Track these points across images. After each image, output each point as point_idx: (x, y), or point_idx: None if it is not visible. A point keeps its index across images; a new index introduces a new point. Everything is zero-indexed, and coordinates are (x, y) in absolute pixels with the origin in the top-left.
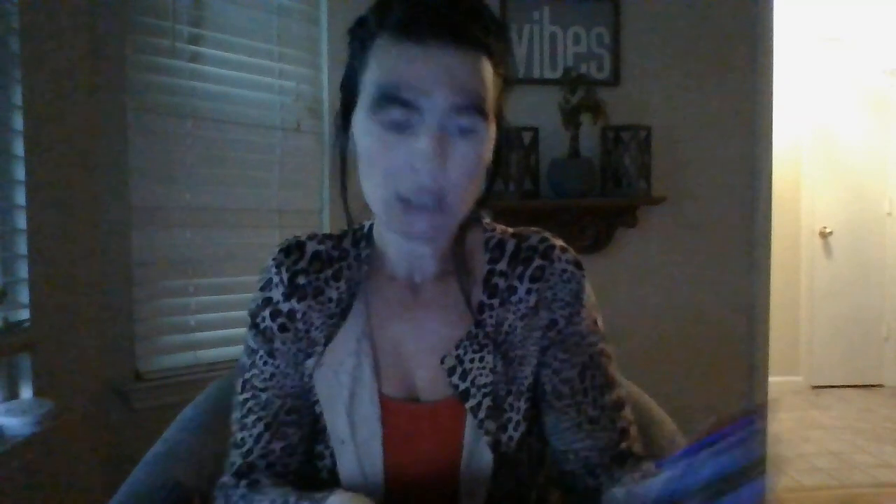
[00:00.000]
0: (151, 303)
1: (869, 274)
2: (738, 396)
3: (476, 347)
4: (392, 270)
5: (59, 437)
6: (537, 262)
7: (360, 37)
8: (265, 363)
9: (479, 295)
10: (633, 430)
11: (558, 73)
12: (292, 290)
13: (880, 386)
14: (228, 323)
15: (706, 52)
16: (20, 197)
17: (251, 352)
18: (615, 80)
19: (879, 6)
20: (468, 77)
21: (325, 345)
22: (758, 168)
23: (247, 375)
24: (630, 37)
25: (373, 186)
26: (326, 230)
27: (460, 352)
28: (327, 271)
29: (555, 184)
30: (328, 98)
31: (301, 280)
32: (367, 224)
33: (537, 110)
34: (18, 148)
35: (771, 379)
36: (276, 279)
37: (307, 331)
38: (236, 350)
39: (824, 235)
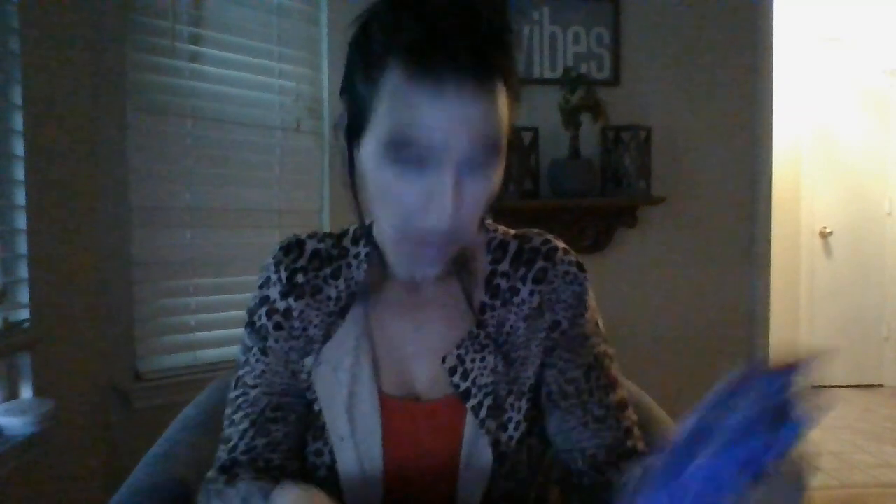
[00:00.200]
0: (151, 303)
1: (869, 274)
2: None
3: (477, 347)
4: (392, 269)
5: (59, 437)
6: (540, 263)
7: (367, 55)
8: (257, 361)
9: (480, 295)
10: (637, 430)
11: (558, 73)
12: (290, 289)
13: (880, 386)
14: (228, 323)
15: (706, 52)
16: (20, 197)
17: (246, 349)
18: (615, 80)
19: (879, 6)
20: (487, 121)
21: (324, 343)
22: (758, 168)
23: (240, 373)
24: (630, 37)
25: (384, 215)
26: (327, 230)
27: (461, 351)
28: (326, 270)
29: (555, 184)
30: (328, 98)
31: (299, 278)
32: (373, 216)
33: (537, 110)
34: (18, 148)
35: None
36: (273, 277)
37: (304, 329)
38: (236, 350)
39: (824, 235)
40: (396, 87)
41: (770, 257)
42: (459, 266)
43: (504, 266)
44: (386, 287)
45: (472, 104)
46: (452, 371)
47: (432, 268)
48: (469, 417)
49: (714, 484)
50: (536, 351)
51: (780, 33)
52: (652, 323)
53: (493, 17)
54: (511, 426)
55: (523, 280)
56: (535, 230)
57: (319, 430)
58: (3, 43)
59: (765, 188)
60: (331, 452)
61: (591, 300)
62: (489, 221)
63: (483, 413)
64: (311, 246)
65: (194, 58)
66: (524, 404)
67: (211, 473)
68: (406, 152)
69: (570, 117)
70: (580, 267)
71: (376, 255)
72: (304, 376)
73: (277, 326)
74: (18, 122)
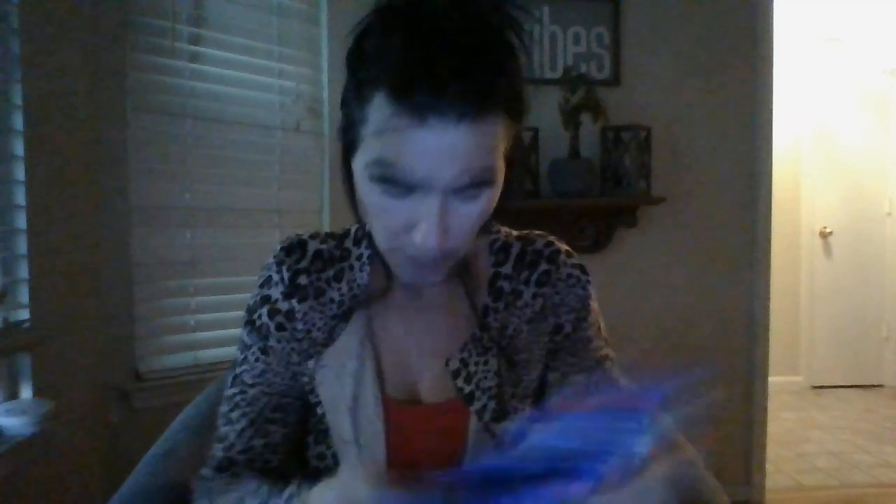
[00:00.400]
0: (151, 303)
1: (869, 274)
2: (739, 396)
3: (480, 350)
4: (394, 272)
5: (59, 437)
6: (543, 266)
7: (357, 77)
8: (257, 360)
9: (483, 298)
10: None
11: (558, 73)
12: (293, 290)
13: (880, 386)
14: (228, 323)
15: (706, 52)
16: (20, 197)
17: (244, 347)
18: (615, 80)
19: (879, 6)
20: (475, 154)
21: (327, 346)
22: (758, 168)
23: (237, 370)
24: (630, 37)
25: (374, 230)
26: (327, 230)
27: (465, 355)
28: (329, 271)
29: (555, 184)
30: (328, 98)
31: (302, 280)
32: (368, 223)
33: (537, 110)
34: (18, 148)
35: (771, 379)
36: (276, 277)
37: (308, 331)
38: (236, 350)
39: (824, 235)
40: (382, 117)
41: (770, 257)
42: (462, 269)
43: (507, 269)
44: (389, 290)
45: (459, 138)
46: (456, 374)
47: (428, 279)
48: (472, 420)
49: None
50: (539, 354)
51: (780, 33)
52: (652, 323)
53: (492, 38)
54: None
55: (526, 283)
56: (538, 232)
57: (322, 434)
58: (3, 43)
59: (765, 188)
60: (334, 456)
61: (594, 303)
62: (491, 222)
63: (487, 416)
64: (313, 247)
65: (194, 58)
66: (527, 407)
67: (206, 471)
68: (392, 180)
69: (570, 117)
70: (583, 270)
71: (378, 258)
72: (305, 379)
73: (280, 327)
74: (18, 122)
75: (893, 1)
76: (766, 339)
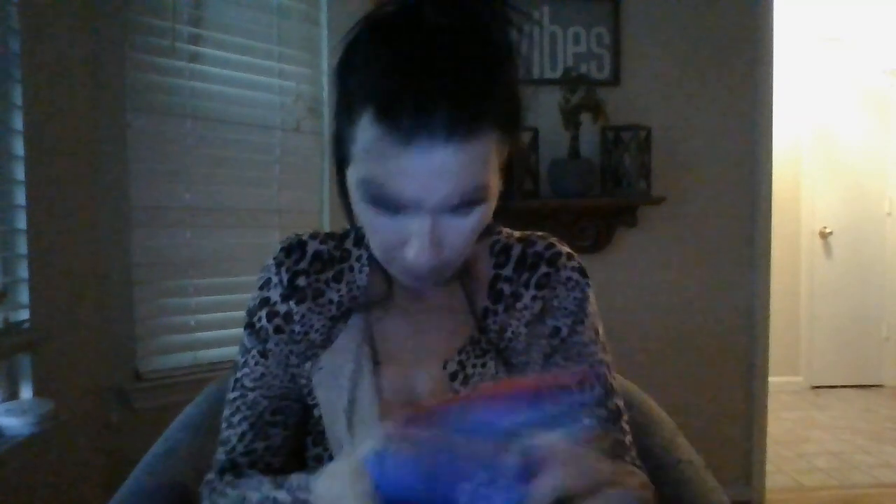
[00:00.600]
0: (151, 303)
1: (869, 274)
2: (739, 396)
3: (478, 353)
4: (394, 274)
5: (59, 437)
6: (543, 268)
7: (346, 93)
8: (256, 363)
9: (483, 300)
10: (629, 440)
11: (558, 73)
12: (291, 292)
13: (880, 386)
14: (228, 323)
15: (706, 52)
16: (20, 197)
17: (245, 350)
18: (615, 80)
19: (879, 6)
20: (464, 173)
21: (325, 348)
22: (758, 168)
23: (238, 374)
24: (630, 37)
25: (371, 243)
26: (327, 230)
27: (463, 357)
28: (328, 273)
29: (555, 184)
30: (328, 98)
31: (301, 281)
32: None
33: (537, 110)
34: (18, 148)
35: (771, 379)
36: (275, 279)
37: (306, 333)
38: (236, 350)
39: (824, 235)
40: (369, 138)
41: (770, 257)
42: (463, 271)
43: (507, 271)
44: (388, 292)
45: (449, 161)
46: (453, 377)
47: (427, 286)
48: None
49: None
50: (537, 357)
51: (780, 33)
52: (652, 323)
53: (487, 50)
54: None
55: (526, 285)
56: (540, 233)
57: (320, 436)
58: (3, 43)
59: (765, 188)
60: (331, 458)
61: (593, 307)
62: (491, 223)
63: None
64: (312, 247)
65: (194, 58)
66: None
67: (210, 476)
68: (381, 200)
69: (570, 117)
70: (583, 273)
71: (378, 259)
72: (303, 381)
73: (278, 329)
74: (18, 122)
75: (893, 1)
76: (766, 339)
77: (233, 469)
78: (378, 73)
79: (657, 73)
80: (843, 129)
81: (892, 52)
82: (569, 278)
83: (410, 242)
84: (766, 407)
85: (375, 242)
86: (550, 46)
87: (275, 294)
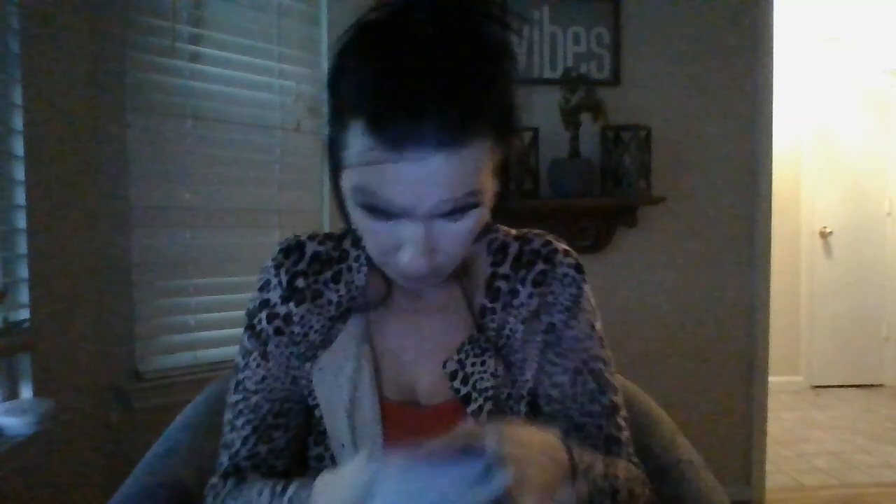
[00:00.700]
0: (151, 303)
1: (869, 274)
2: (739, 396)
3: (478, 351)
4: (390, 275)
5: (59, 437)
6: (540, 266)
7: (337, 101)
8: (258, 365)
9: (481, 298)
10: (625, 436)
11: (558, 73)
12: (290, 293)
13: (880, 386)
14: (228, 323)
15: (706, 52)
16: (20, 197)
17: (246, 353)
18: (615, 80)
19: (879, 6)
20: (455, 180)
21: (325, 348)
22: (758, 168)
23: (240, 377)
24: (630, 37)
25: (367, 246)
26: (327, 230)
27: (462, 356)
28: (327, 273)
29: (555, 184)
30: (328, 98)
31: (300, 283)
32: None
33: (537, 110)
34: (18, 148)
35: (771, 379)
36: (274, 281)
37: (305, 334)
38: (236, 350)
39: (824, 235)
40: (360, 146)
41: (770, 257)
42: (460, 269)
43: (505, 269)
44: (387, 292)
45: (440, 169)
46: (453, 376)
47: (424, 287)
48: (469, 423)
49: None
50: (534, 354)
51: (780, 33)
52: (652, 323)
53: (480, 54)
54: None
55: (523, 282)
56: (536, 231)
57: (322, 435)
58: (3, 43)
59: (765, 188)
60: (332, 458)
61: (588, 303)
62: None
63: (484, 417)
64: (311, 248)
65: (194, 58)
66: (523, 408)
67: (214, 480)
68: (373, 207)
69: (570, 117)
70: (579, 269)
71: None
72: (304, 381)
73: (278, 331)
74: (18, 122)
75: (893, 1)
76: (766, 339)
77: (236, 473)
78: (367, 83)
79: (657, 73)
80: (843, 129)
81: (892, 52)
82: (565, 274)
83: (404, 248)
84: (766, 407)
85: (370, 246)
86: (550, 46)
87: (274, 296)
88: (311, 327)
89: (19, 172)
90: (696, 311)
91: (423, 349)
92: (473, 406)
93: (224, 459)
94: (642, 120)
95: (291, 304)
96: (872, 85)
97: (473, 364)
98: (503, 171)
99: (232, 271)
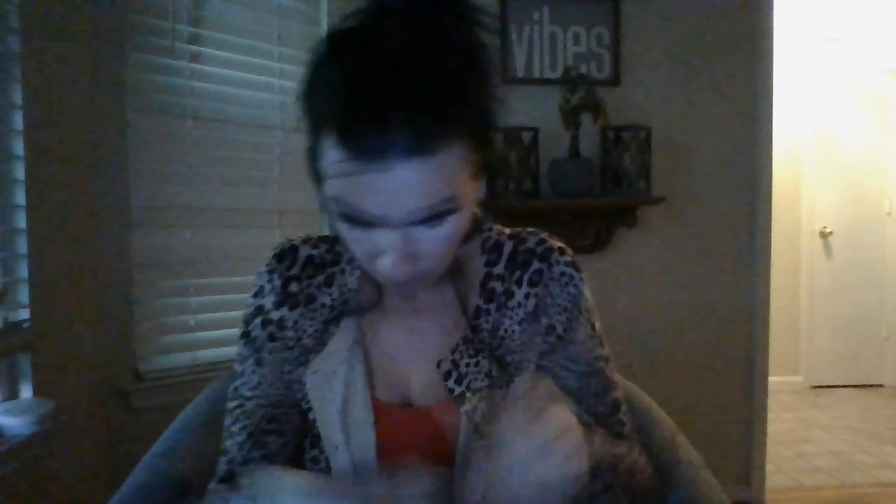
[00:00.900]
0: (151, 303)
1: (869, 274)
2: (739, 396)
3: (472, 352)
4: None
5: (59, 437)
6: (535, 265)
7: (310, 112)
8: (252, 371)
9: (475, 299)
10: (627, 430)
11: (558, 73)
12: (284, 298)
13: (880, 386)
14: (228, 323)
15: (706, 52)
16: (20, 197)
17: (242, 359)
18: (615, 80)
19: (879, 6)
20: (428, 189)
21: (318, 352)
22: (758, 168)
23: (237, 383)
24: (630, 37)
25: (352, 252)
26: (326, 230)
27: (456, 356)
28: (320, 277)
29: (555, 184)
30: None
31: (293, 287)
32: None
33: (537, 110)
34: (18, 148)
35: (771, 379)
36: (267, 287)
37: (299, 338)
38: (235, 350)
39: (824, 235)
40: (333, 158)
41: (770, 257)
42: (454, 269)
43: (499, 269)
44: (379, 294)
45: (412, 177)
46: (447, 375)
47: (413, 291)
48: (463, 422)
49: None
50: (532, 355)
51: (780, 33)
52: (652, 323)
53: (452, 60)
54: None
55: (518, 283)
56: (531, 229)
57: (315, 439)
58: (3, 43)
59: (765, 188)
60: (327, 460)
61: (587, 301)
62: (485, 221)
63: (477, 417)
64: (304, 252)
65: (194, 58)
66: None
67: (212, 485)
68: (350, 217)
69: (570, 117)
70: (576, 267)
71: None
72: (298, 386)
73: (271, 337)
74: (18, 122)
75: (893, 1)
76: (766, 339)
77: (231, 479)
78: (336, 95)
79: (657, 73)
80: (843, 129)
81: (892, 52)
82: (562, 273)
83: (385, 255)
84: (766, 407)
85: (355, 253)
86: (550, 46)
87: (268, 302)
88: (304, 332)
89: (19, 172)
90: (696, 311)
91: (416, 350)
92: (467, 406)
93: (222, 465)
94: (642, 120)
95: (285, 309)
96: (872, 85)
97: (468, 364)
98: (486, 173)
99: (232, 271)
